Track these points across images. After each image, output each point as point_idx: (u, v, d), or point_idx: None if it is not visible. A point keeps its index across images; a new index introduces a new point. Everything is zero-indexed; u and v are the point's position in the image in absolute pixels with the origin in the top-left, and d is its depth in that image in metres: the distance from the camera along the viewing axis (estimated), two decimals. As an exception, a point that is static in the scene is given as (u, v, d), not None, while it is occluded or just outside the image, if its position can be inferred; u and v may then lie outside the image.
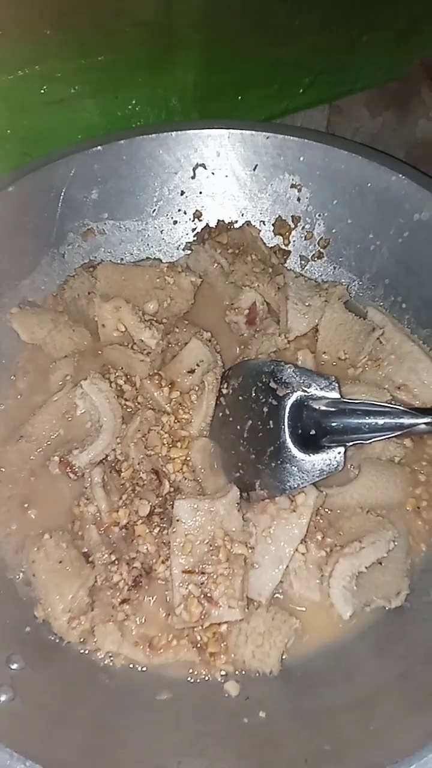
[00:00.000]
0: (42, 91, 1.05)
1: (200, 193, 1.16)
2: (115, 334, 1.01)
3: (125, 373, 1.00)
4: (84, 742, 0.69)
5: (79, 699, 0.75)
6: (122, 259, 1.16)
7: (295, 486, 0.88)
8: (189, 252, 1.15)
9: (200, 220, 1.18)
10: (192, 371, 0.99)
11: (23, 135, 1.08)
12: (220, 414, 0.97)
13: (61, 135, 1.10)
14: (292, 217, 1.16)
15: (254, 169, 1.14)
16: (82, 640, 0.81)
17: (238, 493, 0.87)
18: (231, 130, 1.10)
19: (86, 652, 0.81)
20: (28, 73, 1.02)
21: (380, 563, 0.86)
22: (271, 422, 0.91)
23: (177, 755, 0.70)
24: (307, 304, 1.06)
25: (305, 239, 1.17)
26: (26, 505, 0.91)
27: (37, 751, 0.64)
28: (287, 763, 0.69)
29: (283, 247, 1.18)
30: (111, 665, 0.81)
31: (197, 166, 1.13)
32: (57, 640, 0.81)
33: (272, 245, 1.17)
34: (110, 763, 0.67)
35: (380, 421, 0.85)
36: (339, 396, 0.90)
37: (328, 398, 0.89)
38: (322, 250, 1.16)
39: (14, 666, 0.74)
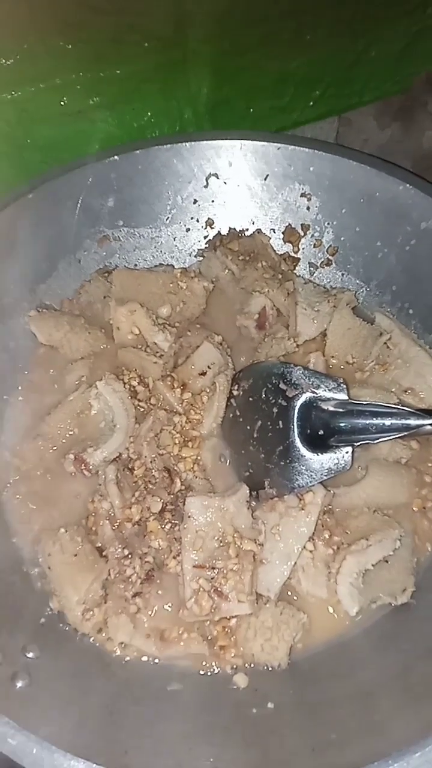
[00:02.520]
0: (61, 102, 1.08)
1: (212, 201, 1.19)
2: (130, 337, 1.04)
3: (139, 374, 1.03)
4: (96, 728, 0.71)
5: (91, 687, 0.78)
6: (136, 265, 1.20)
7: (304, 485, 0.90)
8: (201, 258, 1.18)
9: (212, 228, 1.22)
10: (203, 373, 1.02)
11: (42, 144, 1.11)
12: (231, 415, 1.00)
13: (79, 145, 1.13)
14: (302, 225, 1.19)
15: (265, 179, 1.17)
16: (95, 631, 0.83)
17: (248, 491, 0.89)
18: (243, 141, 1.14)
19: (99, 643, 0.83)
20: (48, 86, 1.05)
21: (386, 561, 0.88)
22: (280, 422, 0.93)
23: (187, 743, 0.72)
24: (315, 309, 1.09)
25: (314, 247, 1.20)
26: (42, 501, 0.94)
27: (51, 734, 0.66)
28: (294, 752, 0.71)
29: (293, 254, 1.21)
30: (123, 656, 0.83)
31: (210, 175, 1.17)
32: (71, 631, 0.83)
33: (282, 252, 1.20)
34: (122, 748, 0.69)
35: (387, 422, 0.88)
36: (347, 397, 0.92)
37: (336, 399, 0.92)
38: (330, 257, 1.19)
39: (30, 654, 0.76)
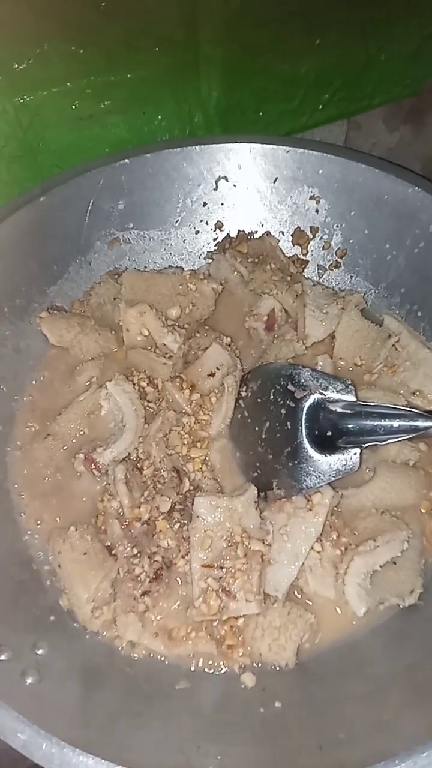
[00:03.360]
0: (73, 106, 1.10)
1: (222, 204, 1.20)
2: (139, 338, 1.05)
3: (148, 375, 1.04)
4: (106, 725, 0.72)
5: (100, 684, 0.78)
6: (146, 267, 1.21)
7: (312, 485, 0.90)
8: (210, 261, 1.19)
9: (221, 231, 1.22)
10: (212, 374, 1.02)
11: (54, 148, 1.13)
12: (239, 416, 1.00)
13: (90, 148, 1.15)
14: (311, 227, 1.20)
15: (274, 182, 1.18)
16: (104, 629, 0.84)
17: (256, 491, 0.90)
18: (253, 144, 1.15)
19: (108, 641, 0.84)
20: (60, 90, 1.07)
21: (394, 563, 0.88)
22: (288, 423, 0.94)
23: (195, 740, 0.72)
24: (324, 311, 1.09)
25: (323, 249, 1.20)
26: (52, 500, 0.95)
27: (60, 730, 0.66)
28: (302, 750, 0.71)
29: (302, 256, 1.22)
30: (131, 654, 0.84)
31: (219, 178, 1.18)
32: (80, 629, 0.84)
33: (291, 255, 1.21)
34: (131, 745, 0.69)
35: (395, 423, 0.88)
36: (355, 399, 0.92)
37: (344, 401, 0.92)
38: (339, 259, 1.19)
39: (40, 651, 0.77)
